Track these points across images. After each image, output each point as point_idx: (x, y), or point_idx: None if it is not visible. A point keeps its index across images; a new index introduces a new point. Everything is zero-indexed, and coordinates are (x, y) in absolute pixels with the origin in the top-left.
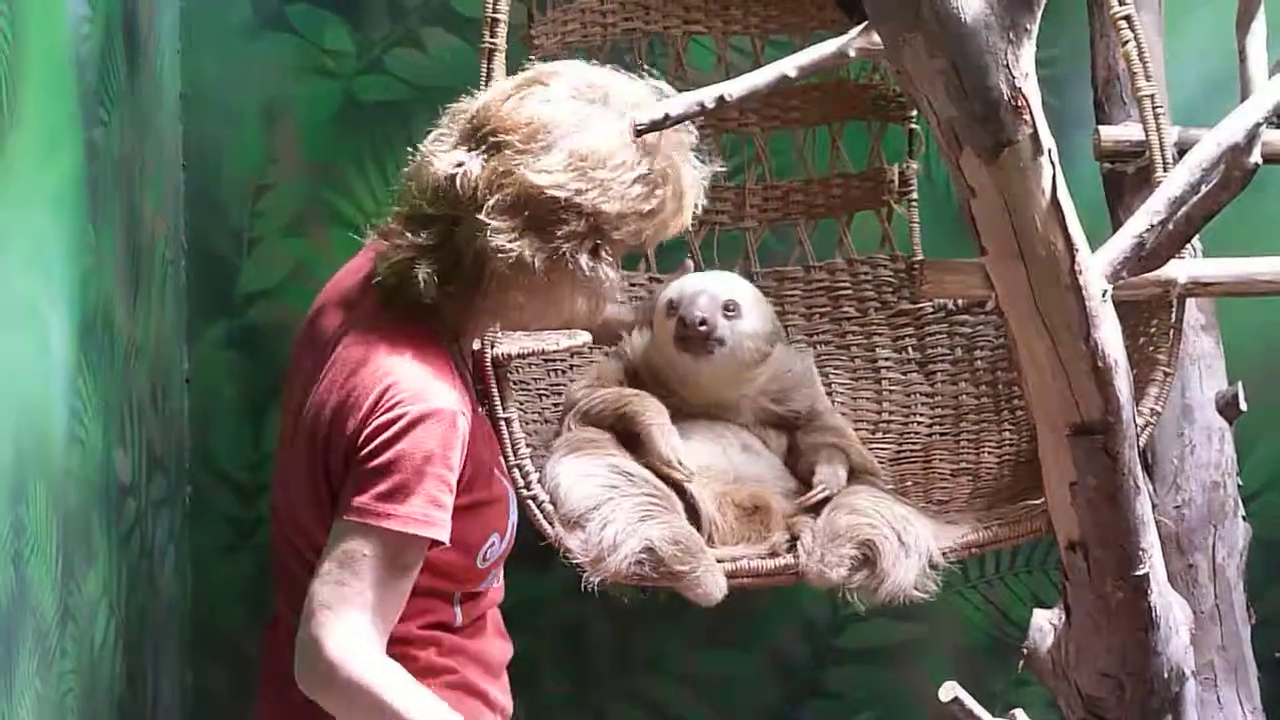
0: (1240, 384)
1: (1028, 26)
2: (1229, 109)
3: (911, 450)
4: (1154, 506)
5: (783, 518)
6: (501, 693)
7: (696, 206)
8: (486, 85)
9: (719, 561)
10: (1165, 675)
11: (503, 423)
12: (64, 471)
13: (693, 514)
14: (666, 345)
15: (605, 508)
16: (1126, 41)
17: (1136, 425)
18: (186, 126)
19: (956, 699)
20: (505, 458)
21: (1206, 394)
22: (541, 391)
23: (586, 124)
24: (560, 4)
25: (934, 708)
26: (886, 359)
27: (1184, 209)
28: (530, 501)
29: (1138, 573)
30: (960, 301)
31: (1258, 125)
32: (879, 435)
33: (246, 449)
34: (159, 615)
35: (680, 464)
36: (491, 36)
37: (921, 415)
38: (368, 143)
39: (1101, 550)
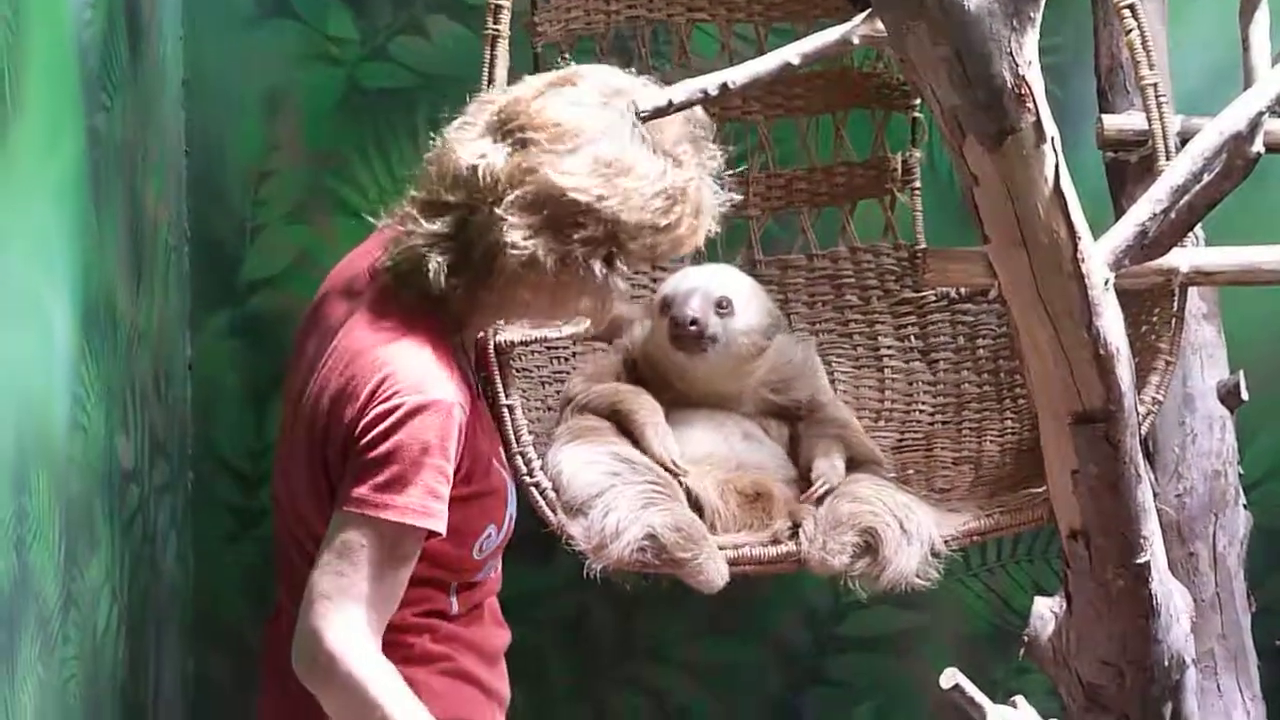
0: (1242, 373)
1: (1031, 14)
2: (1232, 98)
3: (914, 438)
4: (1155, 495)
5: (785, 505)
6: (499, 680)
7: (710, 228)
8: (490, 73)
9: (721, 549)
10: (1166, 663)
11: (505, 410)
12: (66, 458)
13: (694, 502)
14: (662, 342)
15: (608, 495)
16: (1130, 30)
17: (1138, 413)
18: (189, 113)
19: (957, 685)
20: (507, 445)
21: (1208, 383)
22: (544, 379)
23: (613, 132)
24: None
25: (935, 695)
26: (889, 347)
27: (1186, 197)
28: (533, 489)
29: (1139, 561)
30: (963, 290)
31: (1260, 114)
32: (881, 424)
33: (249, 437)
34: (161, 602)
35: (675, 464)
36: (495, 23)
37: (924, 403)
38: (371, 130)
39: (1103, 538)
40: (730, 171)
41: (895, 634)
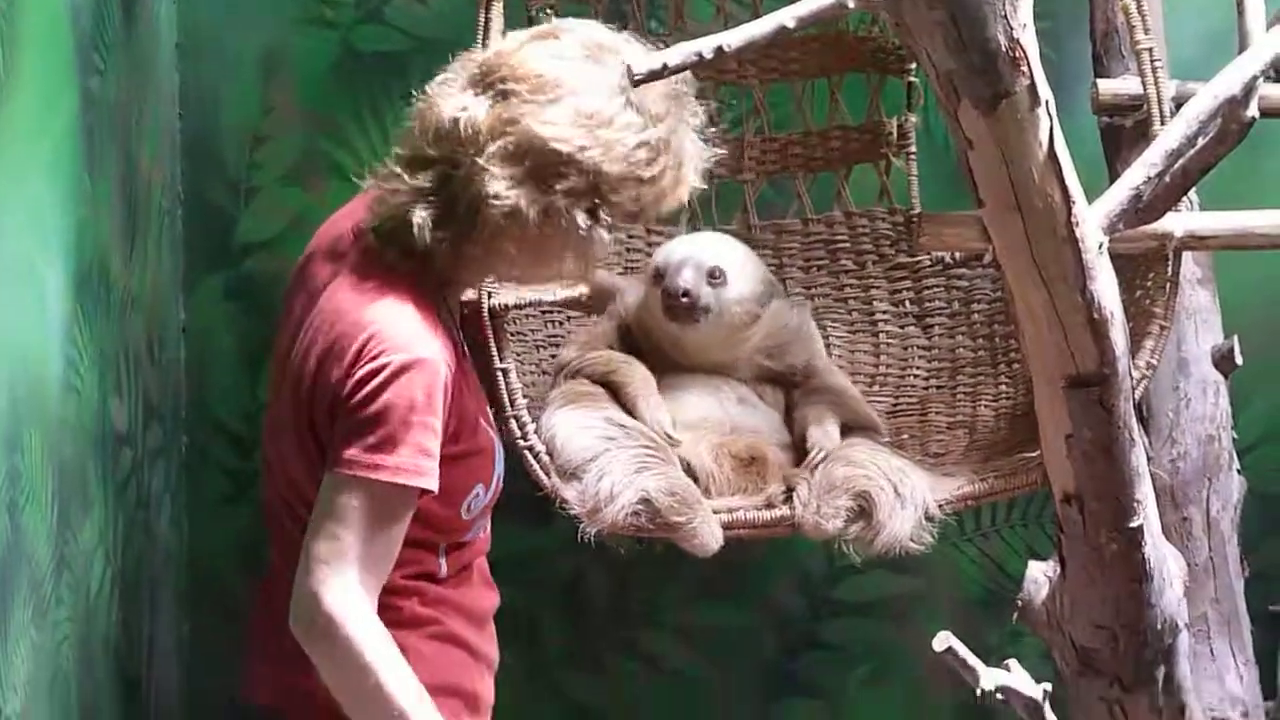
0: (1236, 338)
1: None
2: (1227, 63)
3: (908, 403)
4: (1149, 459)
5: (779, 469)
6: (487, 643)
7: (694, 183)
8: (484, 35)
9: (715, 513)
10: (1159, 627)
11: (500, 373)
12: (59, 420)
13: (688, 469)
14: (655, 311)
15: (602, 459)
16: None
17: (1132, 378)
18: (183, 76)
19: (950, 649)
20: (501, 408)
21: (1202, 348)
22: (539, 343)
23: (595, 83)
24: None
25: (930, 659)
26: (884, 312)
27: (1181, 162)
28: (527, 452)
29: (1132, 525)
30: (958, 255)
31: (1255, 78)
32: (876, 388)
33: (244, 400)
34: (155, 565)
35: (668, 435)
36: None
37: (918, 368)
38: (366, 93)
39: (1096, 502)
40: (725, 136)
41: (889, 599)
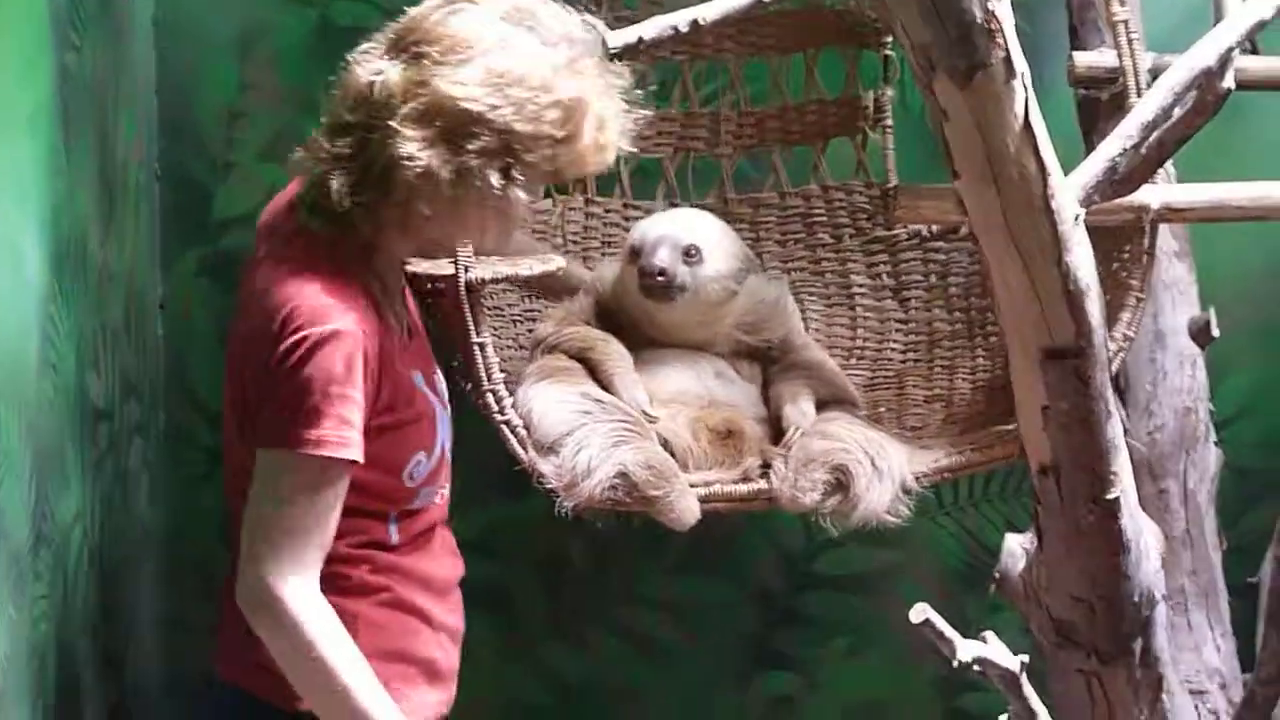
0: (1213, 310)
1: None
2: (1203, 35)
3: (885, 377)
4: (1126, 432)
5: (756, 443)
6: (448, 612)
7: (620, 146)
8: None
9: (692, 486)
10: (1136, 599)
11: (476, 348)
12: (37, 396)
13: (665, 445)
14: (632, 289)
15: (579, 433)
16: None
17: (1109, 350)
18: (160, 52)
19: (928, 620)
20: (478, 383)
21: (1179, 320)
22: (516, 318)
23: (508, 44)
24: None
25: (908, 632)
26: (861, 286)
27: (1157, 133)
28: (504, 426)
29: (1109, 496)
30: (934, 228)
31: (1230, 49)
32: (853, 362)
33: (221, 377)
34: (134, 542)
35: (645, 414)
36: None
37: (895, 342)
38: None
39: (1073, 474)
40: (702, 110)
41: (868, 573)
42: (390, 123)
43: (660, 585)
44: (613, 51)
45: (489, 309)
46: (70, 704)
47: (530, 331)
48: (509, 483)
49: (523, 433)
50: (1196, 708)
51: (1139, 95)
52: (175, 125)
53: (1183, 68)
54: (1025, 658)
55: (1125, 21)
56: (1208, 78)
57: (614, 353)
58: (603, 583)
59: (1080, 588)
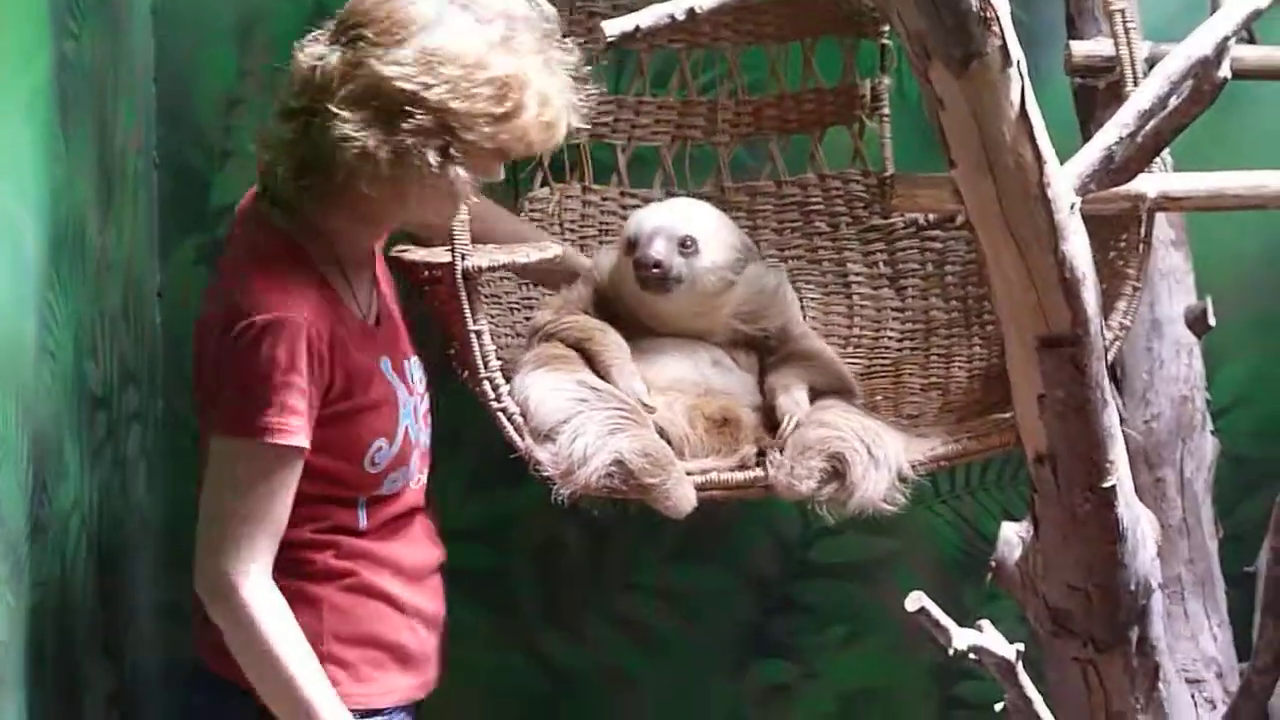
0: (1209, 299)
1: None
2: (1200, 24)
3: (882, 365)
4: (1122, 420)
5: (752, 431)
6: (424, 598)
7: (569, 123)
8: None
9: (688, 474)
10: (1132, 587)
11: (473, 335)
12: (35, 383)
13: (662, 433)
14: (629, 280)
15: (575, 421)
16: None
17: (1105, 338)
18: (159, 40)
19: (923, 609)
20: (475, 370)
21: (1176, 309)
22: (513, 305)
23: (443, 22)
24: None
25: (905, 620)
26: (857, 274)
27: (1153, 122)
28: (500, 414)
29: (1105, 485)
30: (931, 216)
31: (1226, 39)
32: (850, 350)
33: None
34: (132, 529)
35: (642, 404)
36: None
37: (892, 330)
38: None
39: (1069, 462)
40: (700, 99)
41: (865, 561)
42: (329, 106)
43: (656, 573)
44: (609, 39)
45: (486, 297)
46: (68, 691)
47: (527, 319)
48: (506, 470)
49: (519, 420)
50: (1193, 696)
51: (1136, 84)
52: (174, 113)
53: (1179, 56)
54: (1021, 646)
55: (1122, 10)
56: (1204, 66)
57: (611, 342)
58: (599, 570)
59: (1076, 576)
